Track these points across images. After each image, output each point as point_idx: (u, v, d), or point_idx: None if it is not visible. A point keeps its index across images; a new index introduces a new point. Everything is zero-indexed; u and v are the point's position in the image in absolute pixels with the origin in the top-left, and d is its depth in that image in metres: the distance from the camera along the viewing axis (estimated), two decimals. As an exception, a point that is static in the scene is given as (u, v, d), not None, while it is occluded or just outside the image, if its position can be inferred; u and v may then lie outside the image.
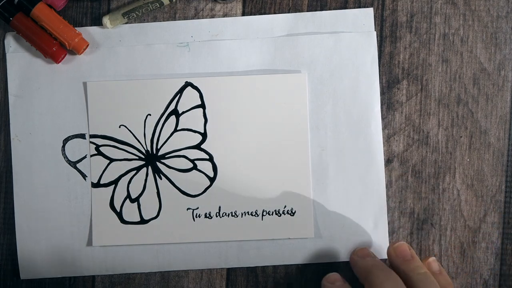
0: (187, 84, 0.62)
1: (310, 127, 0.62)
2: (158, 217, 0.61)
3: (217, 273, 0.62)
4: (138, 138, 0.62)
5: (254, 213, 0.61)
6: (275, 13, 0.62)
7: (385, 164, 0.62)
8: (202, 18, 0.62)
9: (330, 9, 0.62)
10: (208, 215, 0.61)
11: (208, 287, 0.62)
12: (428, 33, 0.62)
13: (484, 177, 0.62)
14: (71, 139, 0.62)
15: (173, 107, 0.62)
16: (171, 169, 0.61)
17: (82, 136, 0.62)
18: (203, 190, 0.61)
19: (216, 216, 0.61)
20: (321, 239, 0.61)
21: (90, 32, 0.62)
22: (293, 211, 0.61)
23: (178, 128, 0.62)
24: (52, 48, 0.60)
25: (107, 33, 0.62)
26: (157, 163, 0.62)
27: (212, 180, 0.61)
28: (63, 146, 0.62)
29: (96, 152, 0.62)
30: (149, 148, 0.62)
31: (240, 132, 0.61)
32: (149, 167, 0.62)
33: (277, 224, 0.61)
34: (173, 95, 0.61)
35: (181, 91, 0.62)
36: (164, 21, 0.62)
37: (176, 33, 0.62)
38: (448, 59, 0.62)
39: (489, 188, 0.62)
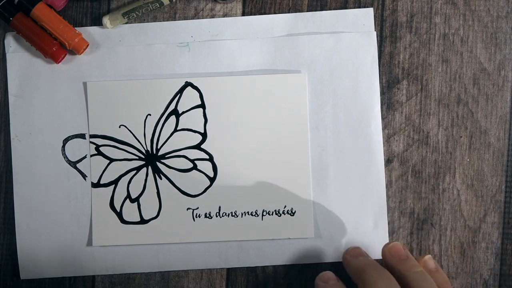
0: (187, 84, 0.62)
1: (310, 127, 0.62)
2: (158, 217, 0.61)
3: (217, 273, 0.62)
4: (138, 138, 0.62)
5: (254, 213, 0.61)
6: (275, 13, 0.62)
7: (385, 164, 0.62)
8: (202, 18, 0.62)
9: (330, 9, 0.62)
10: (208, 215, 0.61)
11: (208, 287, 0.62)
12: (428, 33, 0.62)
13: (484, 177, 0.62)
14: (71, 139, 0.62)
15: (173, 107, 0.62)
16: (171, 169, 0.61)
17: (82, 136, 0.62)
18: (203, 190, 0.61)
19: (216, 216, 0.61)
20: (321, 239, 0.61)
21: (90, 32, 0.62)
22: (293, 211, 0.61)
23: (178, 128, 0.62)
24: (52, 48, 0.60)
25: (107, 33, 0.62)
26: (157, 163, 0.62)
27: (212, 180, 0.61)
28: (63, 146, 0.62)
29: (96, 152, 0.62)
30: (149, 148, 0.62)
31: (240, 132, 0.61)
32: (149, 167, 0.62)
33: (277, 224, 0.61)
34: (173, 95, 0.61)
35: (181, 91, 0.62)
36: (164, 21, 0.62)
37: (176, 33, 0.62)
38: (448, 59, 0.62)
39: (489, 188, 0.62)
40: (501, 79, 0.62)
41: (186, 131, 0.62)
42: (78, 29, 0.62)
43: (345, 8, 0.62)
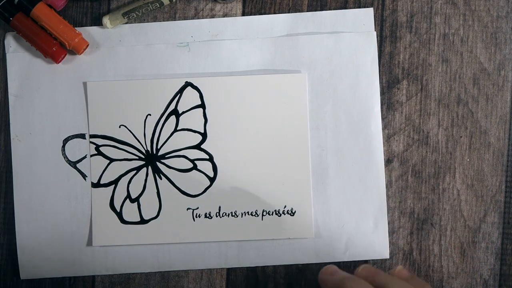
0: (187, 84, 0.62)
1: (310, 127, 0.62)
2: (158, 217, 0.61)
3: (217, 273, 0.62)
4: (138, 138, 0.62)
5: (254, 213, 0.61)
6: (275, 13, 0.62)
7: (385, 164, 0.62)
8: (202, 18, 0.62)
9: (330, 9, 0.62)
10: (208, 215, 0.61)
11: (208, 287, 0.62)
12: (428, 33, 0.62)
13: (484, 177, 0.62)
14: (71, 139, 0.62)
15: (173, 107, 0.62)
16: (171, 169, 0.61)
17: (82, 136, 0.62)
18: (203, 190, 0.61)
19: (216, 216, 0.61)
20: (321, 239, 0.61)
21: (90, 32, 0.62)
22: (293, 211, 0.61)
23: (178, 128, 0.62)
24: (52, 48, 0.60)
25: (107, 33, 0.62)
26: (157, 163, 0.62)
27: (212, 180, 0.61)
28: (63, 146, 0.62)
29: (96, 152, 0.62)
30: (149, 148, 0.62)
31: (240, 132, 0.61)
32: (149, 167, 0.62)
33: (277, 224, 0.61)
34: (173, 95, 0.61)
35: (181, 91, 0.62)
36: (164, 21, 0.62)
37: (176, 33, 0.62)
38: (448, 59, 0.62)
39: (489, 188, 0.62)
40: (501, 79, 0.62)
41: (186, 131, 0.62)
42: (78, 29, 0.62)
43: (345, 8, 0.62)
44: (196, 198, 0.61)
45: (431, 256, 0.62)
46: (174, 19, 0.63)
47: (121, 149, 0.61)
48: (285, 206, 0.61)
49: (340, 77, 0.62)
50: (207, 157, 0.61)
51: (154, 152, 0.62)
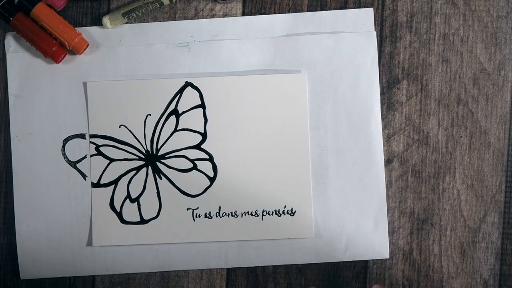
0: (187, 84, 0.62)
1: (310, 127, 0.62)
2: (158, 217, 0.61)
3: (217, 273, 0.62)
4: (138, 138, 0.62)
5: (254, 213, 0.61)
6: (275, 13, 0.62)
7: (385, 164, 0.62)
8: (202, 18, 0.62)
9: (330, 9, 0.62)
10: (208, 215, 0.61)
11: (208, 287, 0.62)
12: (428, 33, 0.62)
13: (484, 177, 0.62)
14: (71, 139, 0.62)
15: (173, 107, 0.62)
16: (171, 169, 0.61)
17: (82, 136, 0.62)
18: (203, 190, 0.61)
19: (216, 216, 0.61)
20: (321, 239, 0.61)
21: (90, 32, 0.62)
22: (293, 211, 0.61)
23: (178, 128, 0.62)
24: (52, 48, 0.60)
25: (107, 33, 0.62)
26: (157, 163, 0.62)
27: (212, 180, 0.61)
28: (63, 146, 0.62)
29: (96, 152, 0.62)
30: (149, 148, 0.62)
31: (240, 132, 0.61)
32: (149, 167, 0.62)
33: (277, 224, 0.61)
34: (173, 95, 0.61)
35: (181, 91, 0.62)
36: (164, 21, 0.62)
37: (176, 33, 0.62)
38: (448, 59, 0.62)
39: (489, 188, 0.62)
40: (501, 79, 0.62)
41: (186, 131, 0.62)
42: (78, 29, 0.62)
43: (345, 8, 0.62)
44: (196, 198, 0.61)
45: (431, 256, 0.62)
46: (174, 19, 0.63)
47: (121, 149, 0.61)
48: (285, 206, 0.61)
49: (340, 77, 0.62)
50: (207, 157, 0.61)
51: (154, 152, 0.62)
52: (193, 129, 0.62)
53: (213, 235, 0.61)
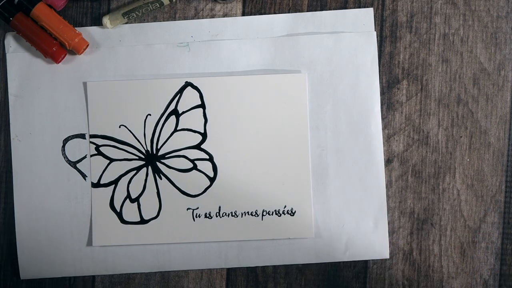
0: (187, 84, 0.62)
1: (310, 127, 0.62)
2: (158, 217, 0.61)
3: (217, 273, 0.62)
4: (138, 138, 0.62)
5: (254, 213, 0.61)
6: (275, 13, 0.62)
7: (385, 164, 0.62)
8: (202, 18, 0.62)
9: (330, 9, 0.62)
10: (208, 215, 0.61)
11: (208, 287, 0.62)
12: (428, 33, 0.62)
13: (484, 177, 0.62)
14: (71, 139, 0.62)
15: (173, 107, 0.62)
16: (171, 169, 0.61)
17: (82, 136, 0.62)
18: (203, 190, 0.61)
19: (216, 216, 0.61)
20: (321, 239, 0.61)
21: (90, 32, 0.62)
22: (293, 211, 0.61)
23: (178, 128, 0.62)
24: (52, 48, 0.60)
25: (107, 33, 0.62)
26: (157, 163, 0.62)
27: (212, 180, 0.61)
28: (63, 146, 0.62)
29: (96, 152, 0.62)
30: (149, 148, 0.62)
31: (240, 132, 0.61)
32: (149, 167, 0.62)
33: (277, 224, 0.61)
34: (173, 95, 0.61)
35: (181, 91, 0.62)
36: (164, 21, 0.62)
37: (176, 33, 0.62)
38: (448, 59, 0.62)
39: (489, 188, 0.62)
40: (501, 79, 0.62)
41: (186, 131, 0.62)
42: (78, 29, 0.62)
43: (345, 8, 0.62)
44: (196, 198, 0.61)
45: (431, 256, 0.62)
46: (174, 19, 0.63)
47: (121, 149, 0.61)
48: (285, 206, 0.61)
49: (340, 77, 0.62)
50: (207, 157, 0.61)
51: (154, 152, 0.62)
52: (193, 129, 0.62)
53: (213, 235, 0.61)
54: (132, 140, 0.61)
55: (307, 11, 0.62)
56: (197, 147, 0.62)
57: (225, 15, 0.62)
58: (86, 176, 0.62)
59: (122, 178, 0.61)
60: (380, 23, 0.62)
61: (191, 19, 0.62)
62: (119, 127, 0.61)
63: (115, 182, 0.61)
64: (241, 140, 0.61)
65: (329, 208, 0.61)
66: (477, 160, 0.62)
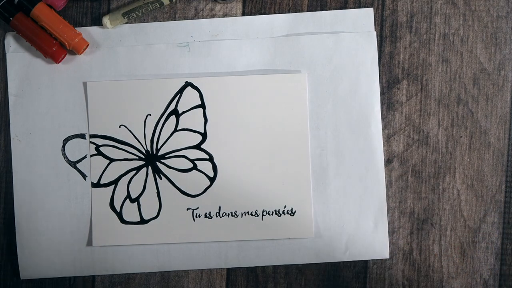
0: (187, 84, 0.62)
1: (310, 127, 0.62)
2: (158, 217, 0.61)
3: (217, 273, 0.62)
4: (138, 138, 0.62)
5: (254, 213, 0.61)
6: (275, 13, 0.62)
7: (385, 164, 0.62)
8: (202, 18, 0.62)
9: (330, 9, 0.62)
10: (208, 215, 0.61)
11: (208, 287, 0.62)
12: (428, 33, 0.62)
13: (484, 177, 0.62)
14: (71, 139, 0.62)
15: (173, 107, 0.62)
16: (171, 169, 0.61)
17: (82, 136, 0.62)
18: (203, 190, 0.61)
19: (216, 216, 0.61)
20: (321, 239, 0.61)
21: (90, 32, 0.62)
22: (293, 211, 0.61)
23: (178, 128, 0.62)
24: (52, 48, 0.60)
25: (107, 33, 0.62)
26: (157, 163, 0.62)
27: (212, 180, 0.61)
28: (63, 146, 0.62)
29: (96, 152, 0.62)
30: (149, 148, 0.62)
31: (240, 132, 0.61)
32: (149, 167, 0.62)
33: (277, 224, 0.61)
34: (173, 95, 0.61)
35: (181, 91, 0.62)
36: (164, 21, 0.62)
37: (176, 33, 0.62)
38: (448, 59, 0.62)
39: (489, 188, 0.62)
40: (501, 79, 0.62)
41: (186, 131, 0.62)
42: (78, 29, 0.62)
43: (345, 8, 0.62)
44: (196, 198, 0.61)
45: (431, 256, 0.62)
46: (174, 19, 0.63)
47: (121, 149, 0.61)
48: (285, 206, 0.61)
49: (340, 77, 0.62)
50: (207, 157, 0.61)
51: (154, 152, 0.62)
52: (193, 129, 0.62)
53: (213, 235, 0.61)
54: (132, 140, 0.61)
55: (307, 11, 0.62)
56: (197, 147, 0.62)
57: (225, 15, 0.62)
58: (86, 176, 0.62)
59: (122, 178, 0.61)
60: (380, 23, 0.62)
61: (191, 19, 0.62)
62: (119, 127, 0.61)
63: (115, 182, 0.61)
64: (241, 140, 0.61)
65: (329, 208, 0.61)
66: (477, 160, 0.62)
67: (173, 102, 0.61)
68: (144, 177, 0.62)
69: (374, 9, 0.62)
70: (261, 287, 0.62)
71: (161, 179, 0.61)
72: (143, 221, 0.61)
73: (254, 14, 0.62)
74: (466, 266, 0.62)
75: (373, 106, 0.62)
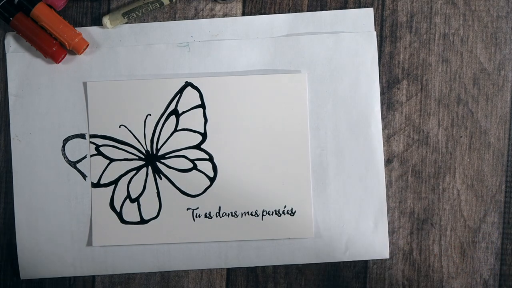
0: (187, 84, 0.62)
1: (310, 127, 0.62)
2: (158, 217, 0.61)
3: (217, 273, 0.62)
4: (138, 138, 0.62)
5: (254, 213, 0.61)
6: (275, 13, 0.62)
7: (385, 164, 0.62)
8: (202, 18, 0.62)
9: (330, 9, 0.62)
10: (208, 215, 0.61)
11: (208, 287, 0.62)
12: (428, 33, 0.62)
13: (484, 177, 0.62)
14: (71, 139, 0.62)
15: (173, 107, 0.62)
16: (171, 169, 0.61)
17: (82, 136, 0.62)
18: (203, 190, 0.61)
19: (216, 216, 0.61)
20: (321, 239, 0.61)
21: (90, 32, 0.62)
22: (293, 211, 0.61)
23: (178, 128, 0.62)
24: (52, 48, 0.60)
25: (107, 33, 0.62)
26: (157, 163, 0.62)
27: (212, 180, 0.61)
28: (63, 146, 0.62)
29: (96, 152, 0.62)
30: (149, 148, 0.62)
31: (240, 132, 0.61)
32: (149, 167, 0.62)
33: (277, 224, 0.61)
34: (173, 95, 0.61)
35: (181, 91, 0.62)
36: (164, 21, 0.62)
37: (176, 33, 0.62)
38: (448, 59, 0.62)
39: (489, 188, 0.62)
40: (501, 79, 0.62)
41: (186, 131, 0.62)
42: (78, 29, 0.62)
43: (345, 8, 0.62)
44: (196, 198, 0.61)
45: (431, 256, 0.62)
46: (174, 19, 0.63)
47: (121, 149, 0.61)
48: (285, 206, 0.61)
49: (340, 77, 0.62)
50: (207, 157, 0.61)
51: (154, 152, 0.62)
52: (193, 129, 0.62)
53: (213, 235, 0.61)
54: (132, 140, 0.61)
55: (307, 11, 0.62)
56: (197, 147, 0.62)
57: (225, 15, 0.62)
58: (86, 176, 0.62)
59: (122, 178, 0.61)
60: (380, 23, 0.62)
61: (191, 19, 0.62)
62: (119, 127, 0.61)
63: (115, 182, 0.61)
64: (241, 140, 0.61)
65: (329, 208, 0.61)
66: (477, 160, 0.62)
67: (173, 102, 0.62)
68: (144, 177, 0.62)
69: (374, 9, 0.62)
70: (261, 287, 0.62)
71: (161, 179, 0.61)
72: (143, 221, 0.61)
73: (254, 14, 0.62)
74: (466, 266, 0.62)
75: (373, 106, 0.62)
